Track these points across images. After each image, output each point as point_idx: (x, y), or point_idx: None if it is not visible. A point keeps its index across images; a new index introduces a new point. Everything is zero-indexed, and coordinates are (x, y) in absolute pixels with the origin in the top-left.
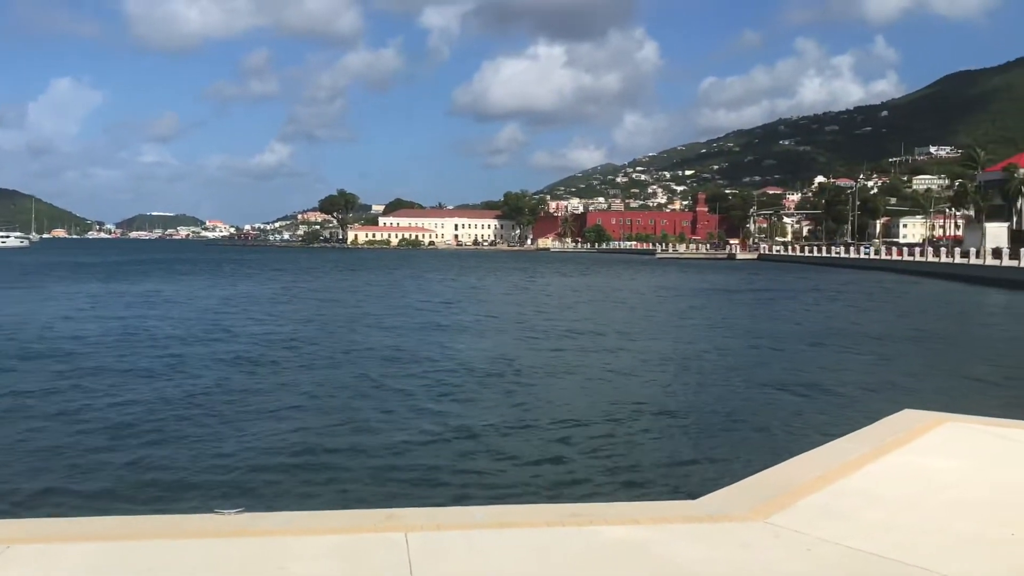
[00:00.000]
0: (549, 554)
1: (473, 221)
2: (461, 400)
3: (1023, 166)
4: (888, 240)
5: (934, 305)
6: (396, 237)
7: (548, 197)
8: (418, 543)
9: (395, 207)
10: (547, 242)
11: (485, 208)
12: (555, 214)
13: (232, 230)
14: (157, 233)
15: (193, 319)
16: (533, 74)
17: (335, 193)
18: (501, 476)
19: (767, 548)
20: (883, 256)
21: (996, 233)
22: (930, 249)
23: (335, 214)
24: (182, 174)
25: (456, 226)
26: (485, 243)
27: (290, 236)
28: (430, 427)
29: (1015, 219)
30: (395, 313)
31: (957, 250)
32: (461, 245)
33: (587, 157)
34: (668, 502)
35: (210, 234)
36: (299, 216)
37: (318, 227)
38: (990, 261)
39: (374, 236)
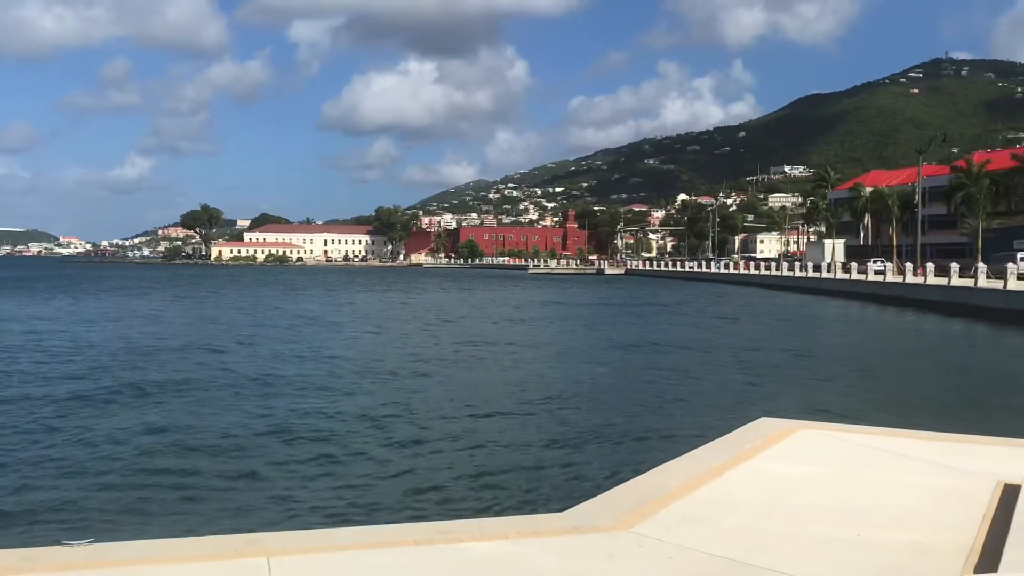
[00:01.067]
0: (417, 573)
1: (344, 236)
2: (326, 418)
3: (869, 185)
4: (746, 255)
5: (789, 316)
6: (262, 253)
7: (421, 212)
8: (281, 569)
9: (261, 222)
10: (420, 258)
11: (356, 223)
12: (428, 230)
13: (88, 246)
14: (6, 249)
15: (31, 341)
16: (404, 89)
17: (198, 208)
18: (369, 496)
19: (630, 558)
20: (741, 270)
21: (835, 249)
22: (785, 264)
23: (198, 229)
24: (34, 187)
25: (326, 241)
26: (356, 259)
27: (150, 252)
28: (294, 447)
29: (863, 235)
30: (257, 329)
31: (810, 264)
32: (331, 261)
33: (460, 173)
34: (536, 516)
35: (64, 251)
36: (160, 232)
37: (180, 243)
38: (840, 275)
39: (239, 252)
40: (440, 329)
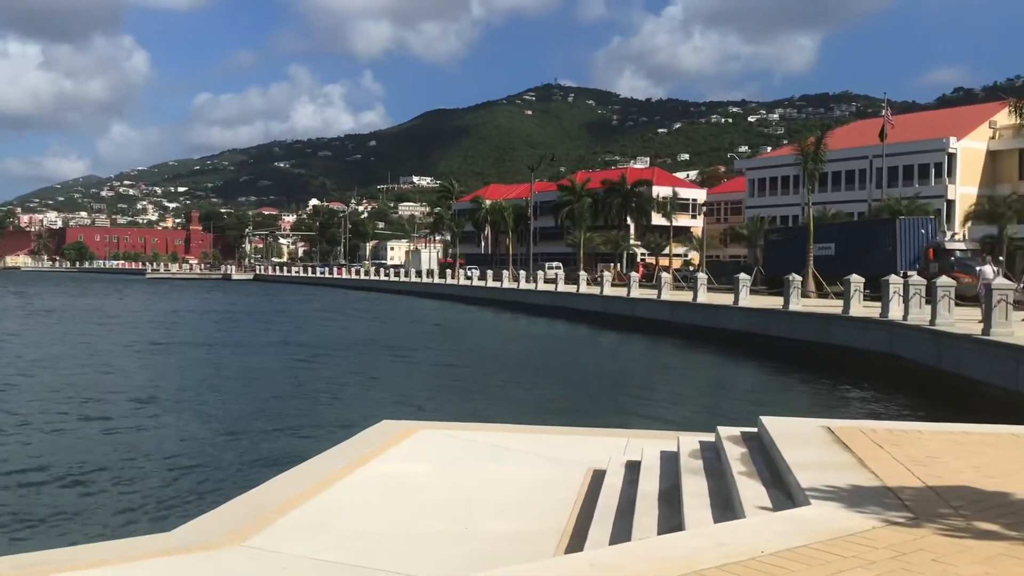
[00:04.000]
0: None
1: None
2: None
3: (489, 198)
4: (377, 261)
5: (414, 320)
6: None
7: (19, 210)
8: None
9: None
10: (18, 259)
11: None
12: (28, 228)
13: None
14: None
15: None
16: (1, 73)
17: None
18: None
19: (242, 572)
20: (372, 276)
21: (430, 257)
22: (413, 271)
23: None
24: None
25: None
26: None
27: None
28: None
29: (483, 244)
30: None
31: (435, 272)
32: None
33: (67, 167)
34: (140, 538)
35: None
36: None
37: None
38: (463, 282)
39: None
40: (26, 344)
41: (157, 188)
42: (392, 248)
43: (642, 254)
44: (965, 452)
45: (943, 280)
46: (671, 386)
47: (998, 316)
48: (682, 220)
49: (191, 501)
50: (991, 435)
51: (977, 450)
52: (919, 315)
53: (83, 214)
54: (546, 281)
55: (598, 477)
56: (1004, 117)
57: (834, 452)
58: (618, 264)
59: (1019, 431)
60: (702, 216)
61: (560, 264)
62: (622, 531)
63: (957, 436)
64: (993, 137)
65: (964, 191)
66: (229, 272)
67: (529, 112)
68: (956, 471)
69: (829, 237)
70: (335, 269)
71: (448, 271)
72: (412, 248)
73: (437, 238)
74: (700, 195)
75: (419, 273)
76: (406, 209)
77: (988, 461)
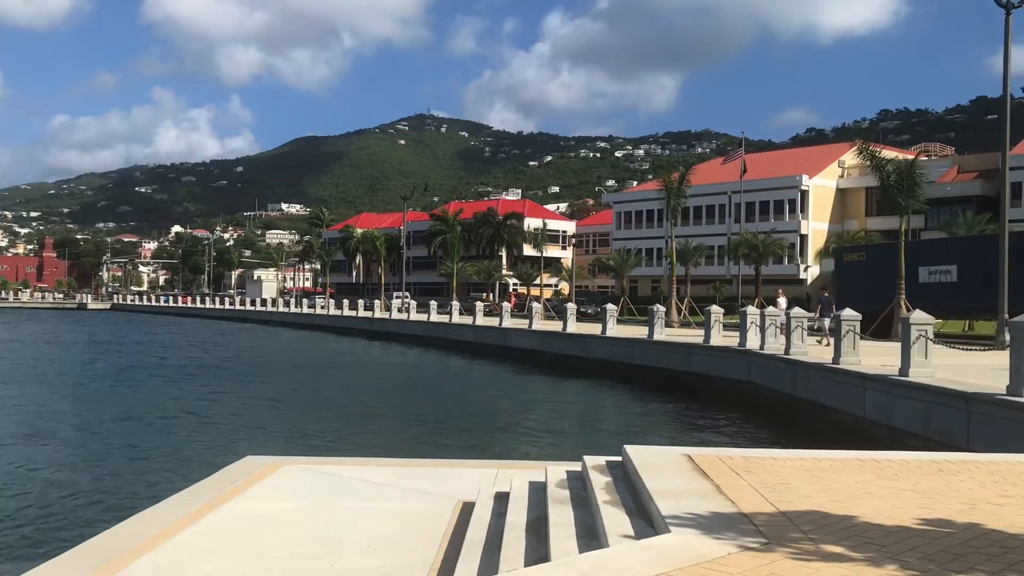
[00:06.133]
0: None
1: None
2: None
3: (360, 227)
4: (242, 291)
5: (275, 350)
6: None
7: None
8: None
9: None
10: None
11: None
12: None
13: None
14: None
15: None
16: None
17: None
18: None
19: None
20: (238, 306)
21: (270, 286)
22: (281, 301)
23: None
24: None
25: None
26: None
27: None
28: None
29: (355, 273)
30: None
31: (304, 301)
32: None
33: None
34: None
35: None
36: None
37: None
38: (333, 312)
39: None
40: None
41: (7, 212)
42: (258, 277)
43: (514, 284)
44: (815, 478)
45: (795, 311)
46: (541, 415)
47: (847, 345)
48: (552, 251)
49: (36, 546)
50: (839, 461)
51: (826, 476)
52: (775, 345)
53: None
54: (418, 310)
55: (467, 509)
56: (851, 157)
57: (694, 480)
58: (490, 294)
59: (865, 456)
60: (571, 247)
61: (407, 293)
62: (490, 564)
63: (808, 462)
64: (842, 175)
65: (816, 226)
66: (85, 301)
67: (402, 141)
68: (806, 496)
69: (945, 256)
70: (200, 298)
71: (318, 300)
72: (254, 276)
73: (307, 267)
74: (570, 227)
75: (254, 302)
76: (274, 237)
77: (836, 486)
